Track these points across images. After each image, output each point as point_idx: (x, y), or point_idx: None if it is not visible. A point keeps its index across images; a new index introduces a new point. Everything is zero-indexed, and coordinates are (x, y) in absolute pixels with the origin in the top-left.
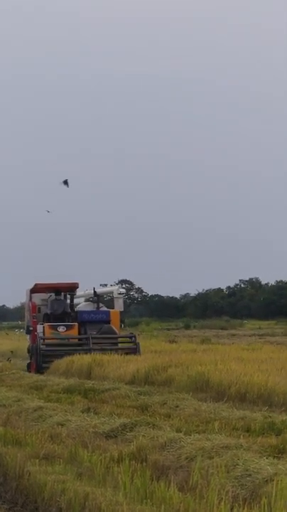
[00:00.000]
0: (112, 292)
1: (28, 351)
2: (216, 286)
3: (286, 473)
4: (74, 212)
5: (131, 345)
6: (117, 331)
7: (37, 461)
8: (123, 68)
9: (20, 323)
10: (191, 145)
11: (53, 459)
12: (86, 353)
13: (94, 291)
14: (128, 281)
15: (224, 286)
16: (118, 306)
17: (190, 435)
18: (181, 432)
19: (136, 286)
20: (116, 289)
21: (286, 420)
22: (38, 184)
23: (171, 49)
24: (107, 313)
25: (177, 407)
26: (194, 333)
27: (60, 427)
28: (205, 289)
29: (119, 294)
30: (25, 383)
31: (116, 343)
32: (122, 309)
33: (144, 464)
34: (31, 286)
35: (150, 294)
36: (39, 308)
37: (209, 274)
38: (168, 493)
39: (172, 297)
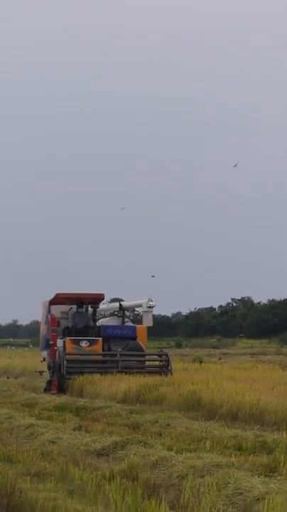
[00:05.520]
0: (140, 306)
1: (49, 368)
2: (208, 305)
3: (277, 492)
4: (62, 230)
5: (161, 364)
6: (144, 348)
7: (28, 478)
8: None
9: (11, 340)
10: (187, 162)
11: (44, 477)
12: (113, 374)
13: (120, 305)
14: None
15: (216, 305)
16: (147, 320)
17: (182, 454)
18: (172, 450)
19: None
20: (146, 302)
21: (278, 439)
22: (40, 200)
23: (172, 68)
24: (133, 329)
25: (168, 425)
26: (186, 352)
27: (51, 444)
28: (197, 307)
29: (149, 307)
30: (16, 400)
31: (143, 362)
32: (151, 324)
33: (135, 482)
34: (50, 297)
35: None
36: (58, 321)
37: (201, 293)
38: (159, 511)
39: (163, 315)
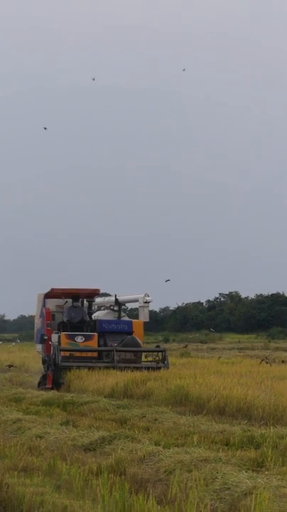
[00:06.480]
0: (137, 300)
1: (44, 362)
2: (195, 300)
3: (265, 487)
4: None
5: (158, 360)
6: (141, 344)
7: (15, 473)
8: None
9: None
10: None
11: (32, 472)
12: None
13: (116, 299)
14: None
15: (203, 300)
16: (144, 315)
17: (169, 448)
18: (160, 445)
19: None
20: (142, 297)
21: (265, 434)
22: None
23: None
24: (129, 324)
25: (156, 420)
26: (173, 347)
27: (38, 439)
28: (185, 302)
29: (145, 302)
30: (3, 395)
31: (140, 357)
32: (147, 319)
33: (123, 477)
34: (46, 291)
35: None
36: (53, 315)
37: (188, 288)
38: (147, 506)
39: (151, 310)
